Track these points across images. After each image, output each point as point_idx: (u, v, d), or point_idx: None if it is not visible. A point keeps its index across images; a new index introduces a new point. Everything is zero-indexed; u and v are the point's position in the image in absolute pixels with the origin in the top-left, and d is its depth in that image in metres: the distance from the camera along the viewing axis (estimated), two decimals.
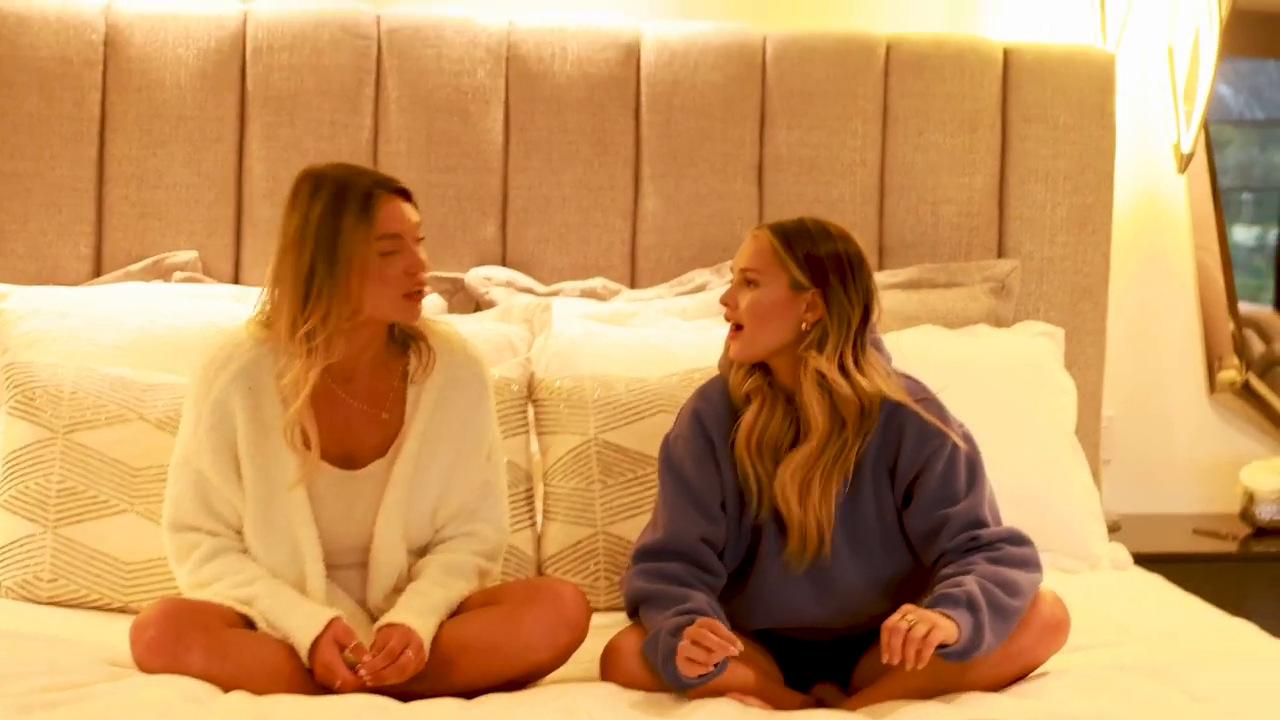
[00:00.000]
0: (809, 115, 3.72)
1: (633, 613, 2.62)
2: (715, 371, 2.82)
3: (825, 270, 2.61)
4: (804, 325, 2.61)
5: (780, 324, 2.61)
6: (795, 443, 2.61)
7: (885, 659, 2.41)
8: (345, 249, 2.53)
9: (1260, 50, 4.37)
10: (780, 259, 2.61)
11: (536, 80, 3.65)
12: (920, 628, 2.39)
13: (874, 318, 2.64)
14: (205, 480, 2.62)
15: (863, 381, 2.59)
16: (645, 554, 2.64)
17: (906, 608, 2.44)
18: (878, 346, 2.69)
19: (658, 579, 2.58)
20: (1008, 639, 2.51)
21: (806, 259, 2.61)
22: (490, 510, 2.72)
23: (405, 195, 2.62)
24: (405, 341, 2.70)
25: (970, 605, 2.45)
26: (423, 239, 2.63)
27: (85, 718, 2.19)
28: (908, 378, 2.69)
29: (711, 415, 2.66)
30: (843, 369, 2.59)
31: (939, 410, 2.66)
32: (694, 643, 2.41)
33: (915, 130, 3.77)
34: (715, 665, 2.42)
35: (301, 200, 2.57)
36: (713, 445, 2.65)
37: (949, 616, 2.42)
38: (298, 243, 2.55)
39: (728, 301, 2.65)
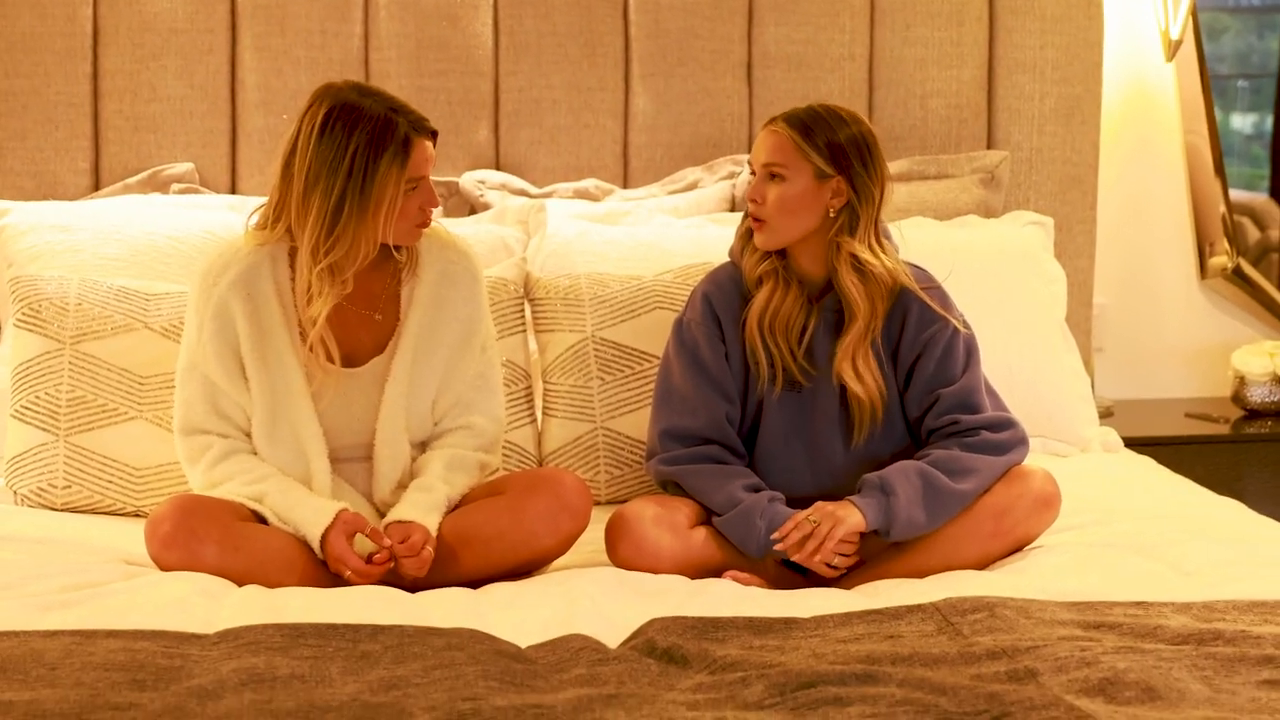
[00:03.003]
0: (796, 11, 3.74)
1: (664, 488, 2.76)
2: (709, 267, 2.89)
3: (847, 155, 2.68)
4: (830, 211, 2.69)
5: (807, 214, 2.69)
6: (807, 324, 2.70)
7: (780, 546, 2.58)
8: (379, 190, 2.58)
9: None
10: (802, 150, 2.68)
11: None
12: (823, 527, 2.56)
13: (888, 196, 2.73)
14: (212, 384, 2.67)
15: (887, 261, 2.70)
16: (674, 436, 2.74)
17: (818, 505, 2.60)
18: (886, 235, 2.77)
19: (699, 459, 2.70)
20: (997, 516, 2.63)
21: (828, 146, 2.68)
22: (486, 402, 2.77)
23: (434, 136, 2.67)
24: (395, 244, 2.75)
25: (883, 489, 2.59)
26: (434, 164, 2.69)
27: (104, 614, 2.26)
28: (915, 266, 2.78)
29: (720, 298, 2.76)
30: (870, 250, 2.69)
31: (942, 298, 2.76)
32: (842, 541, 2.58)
33: (902, 24, 3.78)
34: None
35: (337, 132, 2.57)
36: (720, 326, 2.74)
37: (856, 505, 2.58)
38: (329, 175, 2.57)
39: (755, 197, 2.70)
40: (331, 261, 2.60)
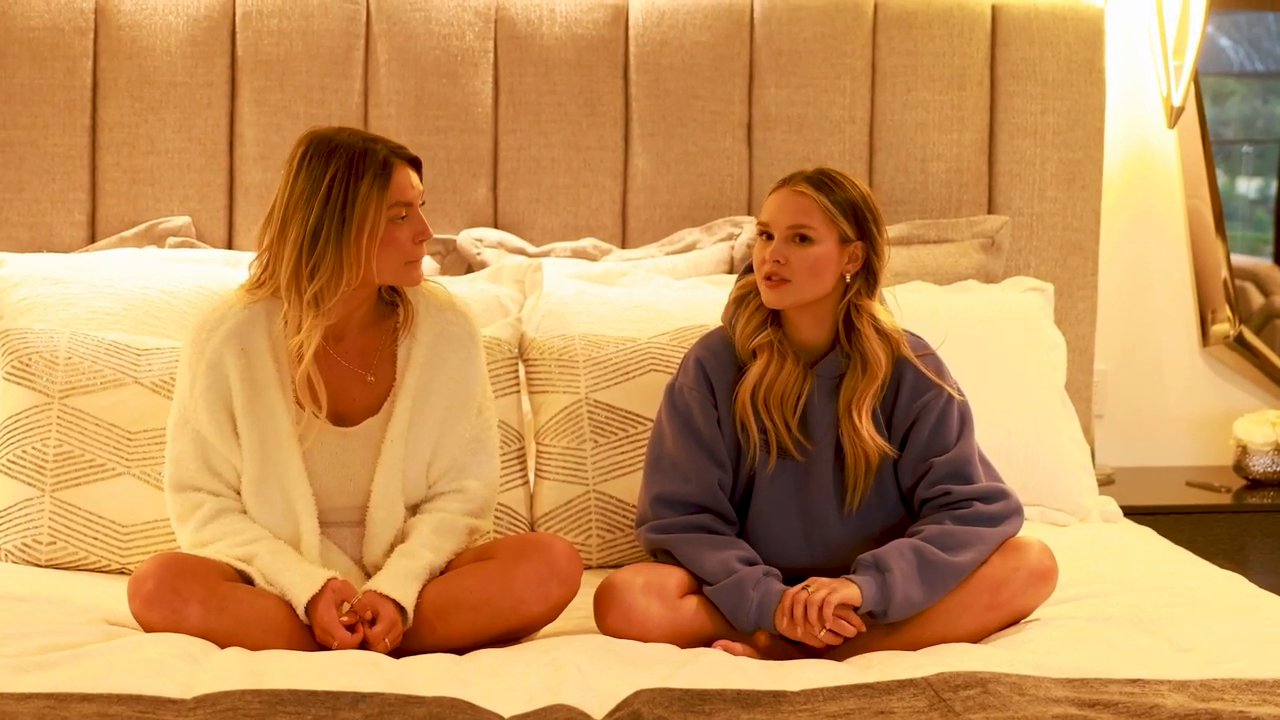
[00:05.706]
0: (797, 74, 3.73)
1: (655, 556, 2.72)
2: (704, 330, 2.86)
3: (865, 219, 2.70)
4: (846, 275, 2.69)
5: (829, 276, 2.69)
6: (802, 393, 2.67)
7: (784, 628, 2.54)
8: (359, 213, 2.57)
9: (1259, 3, 4.36)
10: (831, 215, 2.67)
11: (525, 42, 3.66)
12: (818, 594, 2.52)
13: (889, 257, 2.73)
14: (203, 439, 2.65)
15: (895, 320, 2.72)
16: (666, 502, 2.71)
17: (811, 580, 2.56)
18: (881, 300, 2.76)
19: (691, 528, 2.68)
20: (993, 588, 2.60)
21: (853, 212, 2.68)
22: (480, 466, 2.74)
23: (416, 164, 2.66)
24: (393, 301, 2.73)
25: (877, 566, 2.56)
26: (424, 204, 2.67)
27: (81, 677, 2.22)
28: (909, 333, 2.77)
29: (714, 364, 2.74)
30: (883, 310, 2.72)
31: (937, 365, 2.75)
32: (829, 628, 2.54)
33: (904, 87, 3.78)
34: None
35: (314, 164, 2.59)
36: (713, 394, 2.71)
37: (853, 581, 2.54)
38: (306, 205, 2.57)
39: (779, 258, 2.67)
40: (314, 291, 2.57)
